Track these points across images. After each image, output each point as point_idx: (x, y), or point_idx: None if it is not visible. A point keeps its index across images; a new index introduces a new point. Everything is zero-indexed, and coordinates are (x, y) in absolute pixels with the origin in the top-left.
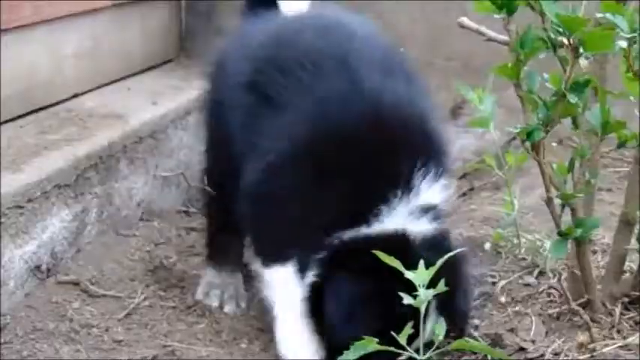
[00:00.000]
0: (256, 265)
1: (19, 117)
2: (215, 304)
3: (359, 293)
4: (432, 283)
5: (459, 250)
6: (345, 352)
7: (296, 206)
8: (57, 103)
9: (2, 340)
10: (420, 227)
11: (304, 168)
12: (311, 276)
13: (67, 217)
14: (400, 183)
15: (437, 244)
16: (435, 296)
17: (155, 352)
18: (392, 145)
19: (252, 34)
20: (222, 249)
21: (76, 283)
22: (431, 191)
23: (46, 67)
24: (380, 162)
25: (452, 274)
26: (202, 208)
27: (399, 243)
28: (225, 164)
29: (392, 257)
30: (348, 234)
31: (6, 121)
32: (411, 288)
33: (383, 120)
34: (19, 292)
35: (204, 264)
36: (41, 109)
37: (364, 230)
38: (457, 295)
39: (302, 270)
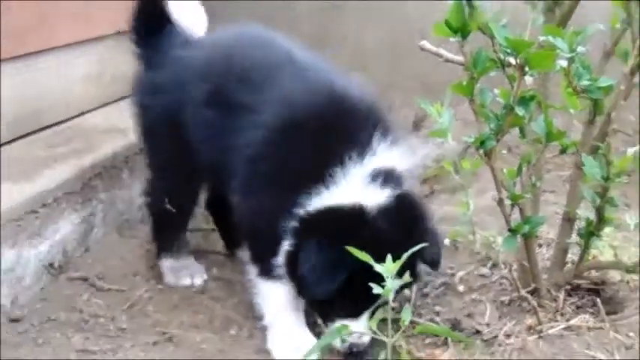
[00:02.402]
0: (252, 274)
1: (32, 133)
2: (188, 282)
3: (324, 259)
4: (397, 246)
5: (418, 211)
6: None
7: (275, 184)
8: (66, 120)
9: (20, 330)
10: (376, 196)
11: (278, 147)
12: (287, 245)
13: (76, 221)
14: (357, 148)
15: (393, 213)
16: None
17: (155, 338)
18: (350, 120)
19: (189, 60)
20: (175, 242)
21: (85, 279)
22: (387, 154)
23: (55, 89)
24: (340, 132)
25: (417, 231)
26: (150, 216)
27: (356, 217)
28: (184, 178)
29: (364, 253)
30: (312, 204)
31: (21, 137)
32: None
33: (339, 100)
34: (35, 287)
35: (159, 257)
36: (52, 125)
37: (325, 199)
38: (426, 248)
39: (281, 239)
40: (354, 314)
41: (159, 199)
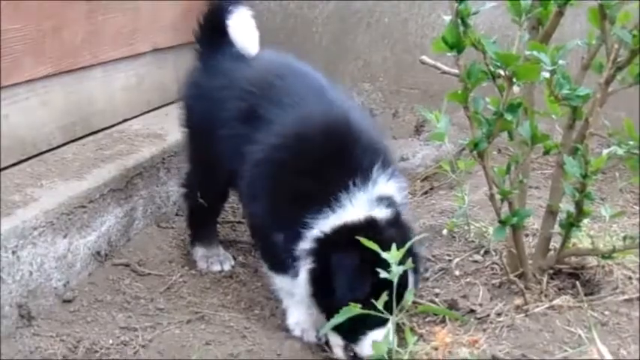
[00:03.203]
0: (264, 268)
1: (82, 137)
2: (218, 268)
3: (358, 267)
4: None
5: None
6: (337, 315)
7: (279, 200)
8: (111, 127)
9: (71, 309)
10: (381, 213)
11: (286, 169)
12: (307, 265)
13: (120, 214)
14: (361, 177)
15: (397, 224)
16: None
17: (189, 317)
18: (355, 150)
19: (233, 75)
20: (206, 233)
21: (127, 265)
22: (386, 185)
23: (102, 98)
24: (345, 161)
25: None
26: (186, 208)
27: (372, 227)
28: (213, 177)
29: (372, 242)
30: (325, 224)
31: (72, 141)
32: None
33: (350, 130)
34: (84, 272)
35: (193, 245)
36: (99, 131)
37: (336, 220)
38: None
39: (293, 260)
40: (382, 322)
41: (193, 193)
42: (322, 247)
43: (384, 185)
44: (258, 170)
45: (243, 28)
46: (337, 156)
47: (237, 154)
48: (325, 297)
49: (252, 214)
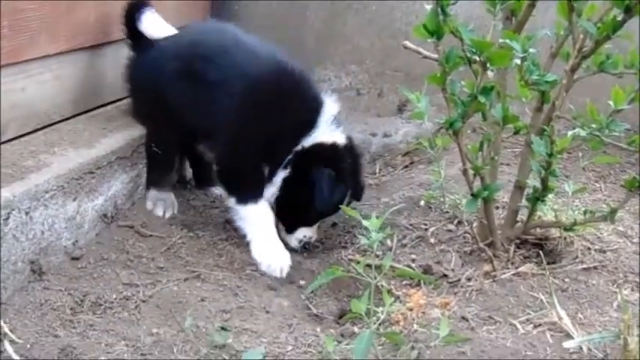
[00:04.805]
0: (230, 202)
1: (92, 109)
2: (160, 212)
3: (335, 178)
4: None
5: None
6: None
7: (258, 136)
8: (118, 100)
9: (79, 266)
10: (339, 137)
11: (261, 109)
12: (284, 173)
13: (126, 180)
14: (316, 102)
15: (350, 149)
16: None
17: (186, 275)
18: (311, 86)
19: (164, 48)
20: (161, 177)
21: (131, 227)
22: (331, 103)
23: (111, 74)
24: (301, 94)
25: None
26: (146, 154)
27: (334, 149)
28: (169, 133)
29: (354, 210)
30: (303, 143)
31: (83, 112)
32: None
33: (296, 73)
34: (92, 232)
35: (148, 187)
36: (108, 104)
37: (311, 139)
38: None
39: (272, 174)
40: (310, 224)
41: (148, 143)
42: (305, 157)
43: (330, 103)
44: (236, 127)
45: (155, 26)
46: (296, 91)
47: (188, 108)
48: (290, 202)
49: (234, 154)
